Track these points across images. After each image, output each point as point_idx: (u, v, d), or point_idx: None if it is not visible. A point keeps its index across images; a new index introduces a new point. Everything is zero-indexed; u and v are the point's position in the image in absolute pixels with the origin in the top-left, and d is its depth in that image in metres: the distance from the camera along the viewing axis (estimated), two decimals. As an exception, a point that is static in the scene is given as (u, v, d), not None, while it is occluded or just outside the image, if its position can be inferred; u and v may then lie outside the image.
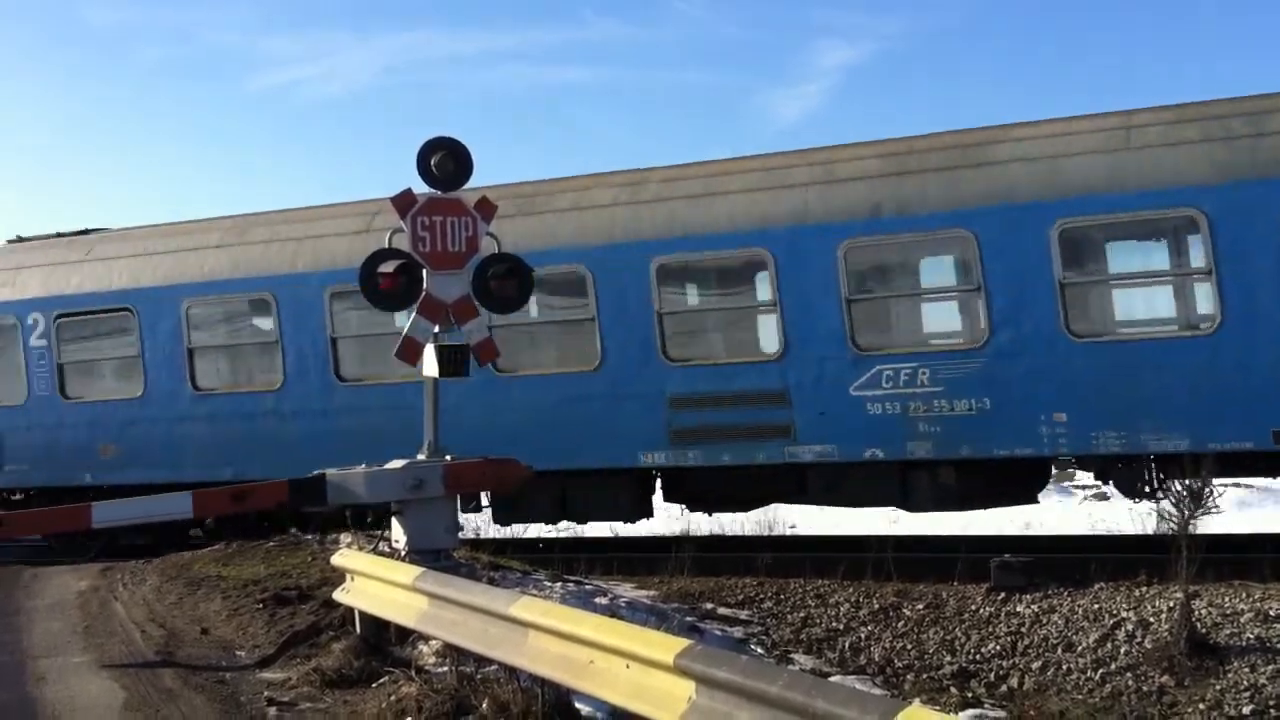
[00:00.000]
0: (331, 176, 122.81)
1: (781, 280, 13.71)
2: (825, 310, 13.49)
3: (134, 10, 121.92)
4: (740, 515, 16.36)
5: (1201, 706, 9.21)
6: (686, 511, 16.17)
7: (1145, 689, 9.59)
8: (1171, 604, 10.22)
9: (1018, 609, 11.09)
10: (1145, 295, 13.82)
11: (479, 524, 17.14)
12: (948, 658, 10.73)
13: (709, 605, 12.23)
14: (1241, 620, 10.01)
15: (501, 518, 15.87)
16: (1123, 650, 10.09)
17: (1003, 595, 11.35)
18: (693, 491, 14.84)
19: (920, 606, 11.54)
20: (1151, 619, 10.29)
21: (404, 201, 10.81)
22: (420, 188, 11.03)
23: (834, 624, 11.63)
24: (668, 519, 18.25)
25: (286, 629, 10.51)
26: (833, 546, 14.34)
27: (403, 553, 10.43)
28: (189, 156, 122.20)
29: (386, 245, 11.06)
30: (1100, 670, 9.97)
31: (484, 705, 7.60)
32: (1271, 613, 10.01)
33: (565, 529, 18.49)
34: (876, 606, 11.72)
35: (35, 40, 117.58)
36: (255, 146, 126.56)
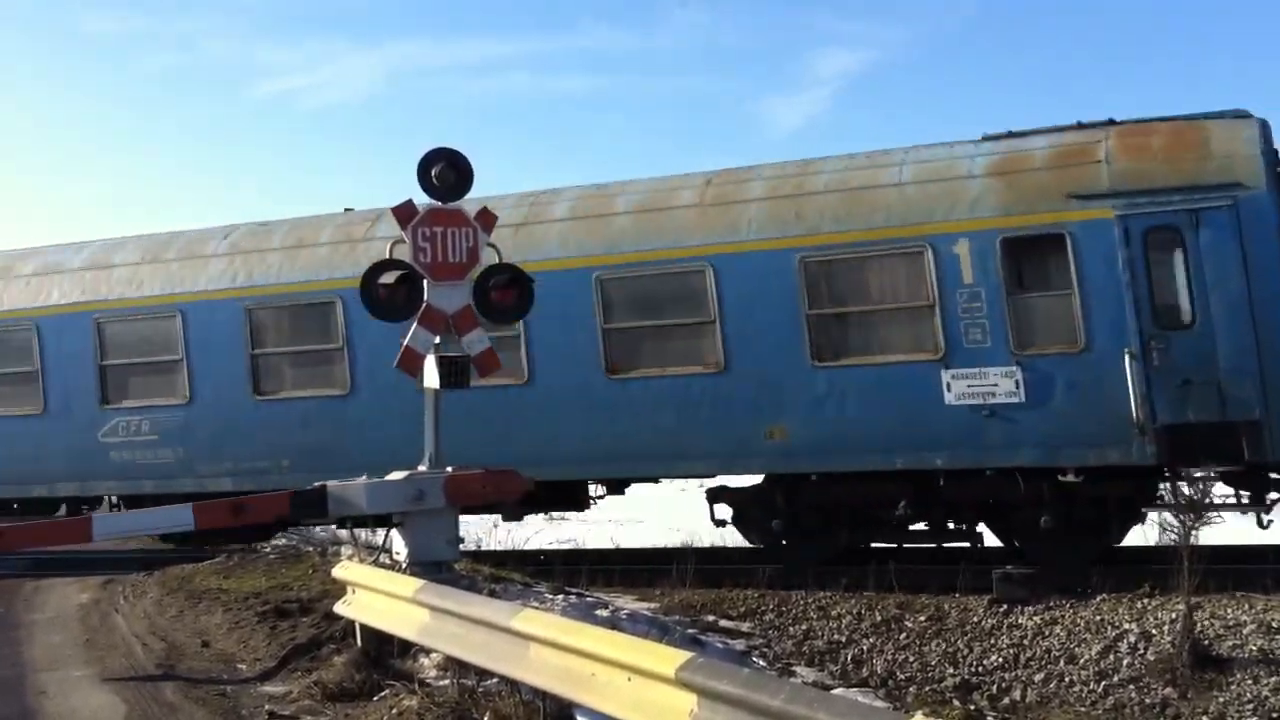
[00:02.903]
0: (332, 184, 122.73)
1: None
2: None
3: (133, 20, 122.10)
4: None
5: (1204, 719, 9.19)
6: (688, 524, 16.19)
7: (1148, 701, 9.57)
8: (1174, 615, 10.20)
9: (1020, 621, 11.07)
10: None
11: (480, 535, 17.13)
12: (950, 670, 10.71)
13: (711, 617, 12.21)
14: (1244, 632, 9.99)
15: None
16: (1125, 662, 10.07)
17: (1005, 607, 11.34)
18: None
19: (922, 618, 11.52)
20: (1154, 631, 10.27)
21: (405, 212, 10.82)
22: (421, 198, 11.04)
23: (836, 636, 11.61)
24: (668, 531, 18.24)
25: (287, 642, 10.50)
26: (834, 559, 14.31)
27: (404, 565, 10.42)
28: (190, 164, 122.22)
29: (388, 256, 11.07)
30: (1103, 682, 9.95)
31: (485, 718, 7.58)
32: (1274, 624, 9.99)
33: (568, 540, 18.49)
34: (878, 619, 11.70)
35: (34, 49, 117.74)
36: (257, 154, 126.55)
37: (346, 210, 17.00)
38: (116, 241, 17.88)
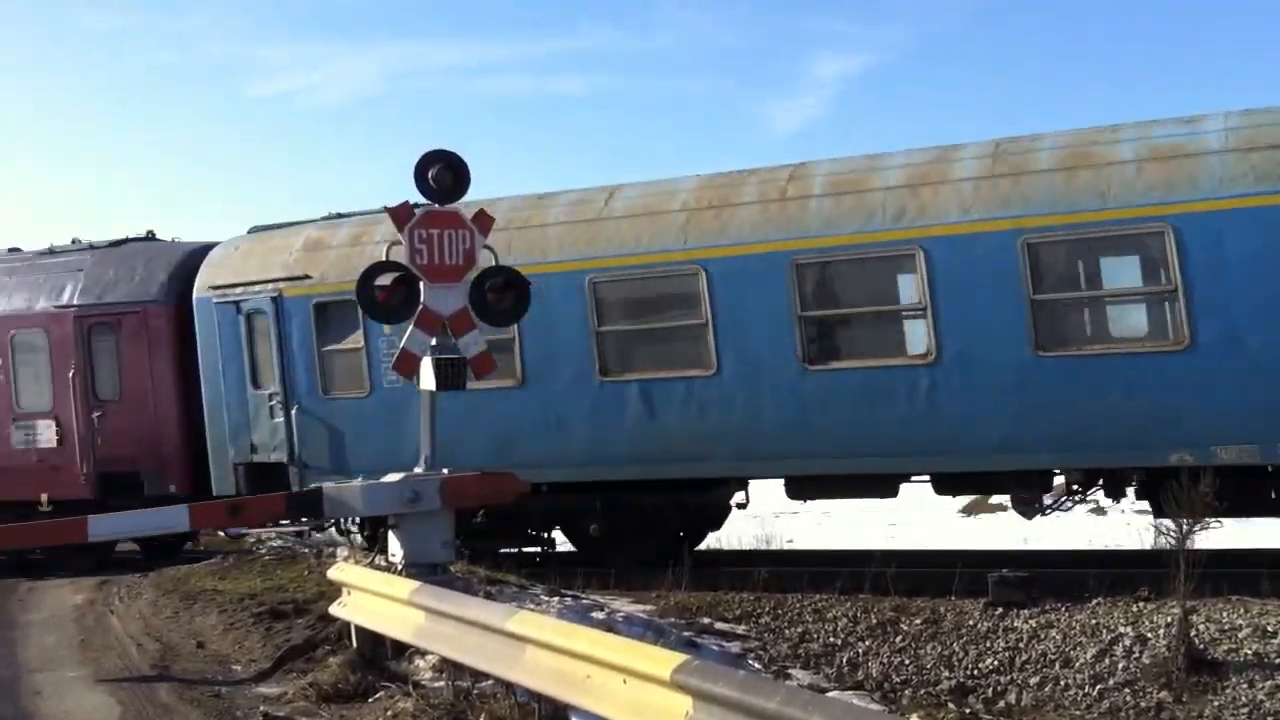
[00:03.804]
0: (331, 183, 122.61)
1: None
2: None
3: (132, 18, 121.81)
4: (738, 529, 16.35)
5: (1199, 722, 9.20)
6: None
7: (1143, 705, 9.57)
8: (1169, 619, 10.20)
9: (1015, 624, 11.06)
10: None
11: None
12: (945, 673, 10.71)
13: (706, 620, 12.20)
14: (1240, 636, 9.99)
15: None
16: (1120, 666, 10.07)
17: (1000, 610, 11.32)
18: None
19: (918, 621, 11.51)
20: (1149, 634, 10.27)
21: (402, 214, 10.82)
22: (418, 200, 11.05)
23: (832, 639, 11.60)
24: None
25: (283, 643, 10.50)
26: (830, 561, 14.31)
27: (399, 567, 10.41)
28: (188, 162, 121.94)
29: (384, 258, 11.08)
30: (1098, 686, 9.95)
31: (480, 720, 7.58)
32: (1269, 628, 9.99)
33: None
34: (874, 621, 11.69)
35: (32, 45, 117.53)
36: (255, 153, 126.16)
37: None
38: None
